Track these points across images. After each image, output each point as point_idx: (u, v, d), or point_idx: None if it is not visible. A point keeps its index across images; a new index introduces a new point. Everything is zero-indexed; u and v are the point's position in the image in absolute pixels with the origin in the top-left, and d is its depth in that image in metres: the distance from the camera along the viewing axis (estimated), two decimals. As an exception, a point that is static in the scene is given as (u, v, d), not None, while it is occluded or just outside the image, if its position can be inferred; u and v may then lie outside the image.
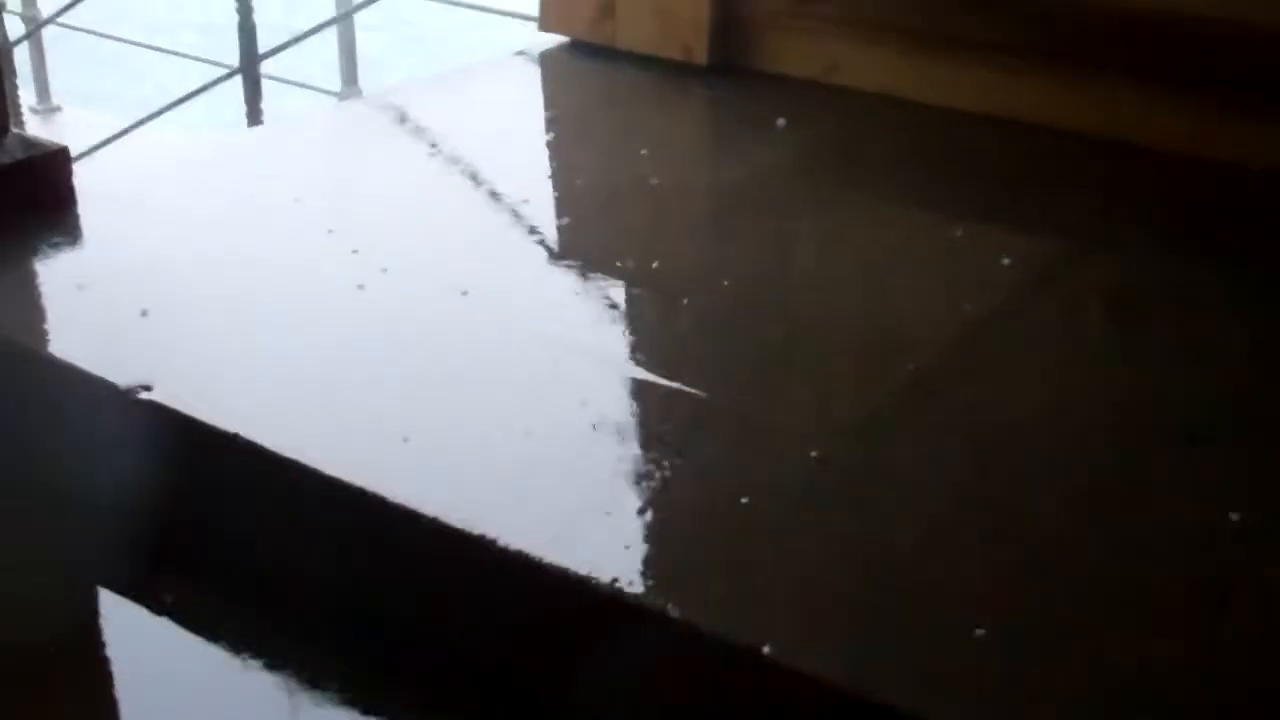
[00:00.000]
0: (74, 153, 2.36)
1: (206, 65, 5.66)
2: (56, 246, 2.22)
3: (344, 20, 4.86)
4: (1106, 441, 1.84)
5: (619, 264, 2.25)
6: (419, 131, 2.82)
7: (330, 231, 2.29)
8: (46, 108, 6.63)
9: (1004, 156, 2.67)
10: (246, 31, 4.52)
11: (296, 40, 4.57)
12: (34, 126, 6.39)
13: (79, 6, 5.63)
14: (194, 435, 1.81)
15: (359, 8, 4.73)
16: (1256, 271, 2.27)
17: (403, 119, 2.88)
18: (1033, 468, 1.78)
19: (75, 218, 2.30)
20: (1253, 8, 2.70)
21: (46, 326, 2.05)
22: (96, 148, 5.05)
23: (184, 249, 2.23)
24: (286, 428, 1.79)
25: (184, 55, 6.08)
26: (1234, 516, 1.67)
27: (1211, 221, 2.43)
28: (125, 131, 5.17)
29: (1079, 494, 1.73)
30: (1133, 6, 2.81)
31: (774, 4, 3.01)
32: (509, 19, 4.63)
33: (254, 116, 4.60)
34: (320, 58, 5.45)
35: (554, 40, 3.21)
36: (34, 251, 2.20)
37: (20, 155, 2.30)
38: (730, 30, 3.01)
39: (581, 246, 2.32)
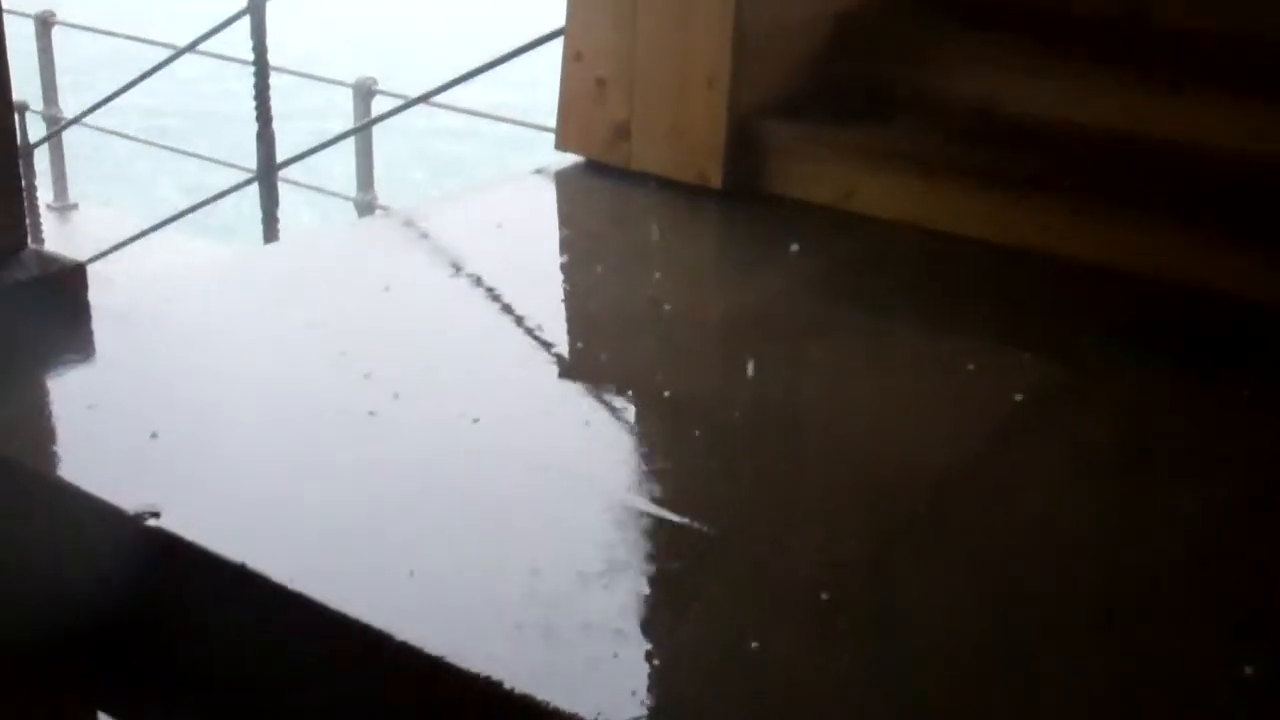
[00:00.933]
0: (90, 252, 2.37)
1: (211, 156, 5.74)
2: (69, 364, 2.22)
3: (361, 130, 4.92)
4: (1120, 587, 1.82)
5: (630, 392, 2.25)
6: (434, 251, 2.84)
7: (343, 354, 2.29)
8: (63, 205, 6.70)
9: (1019, 286, 2.68)
10: (265, 140, 4.56)
11: (314, 150, 4.62)
12: (50, 224, 6.45)
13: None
14: (200, 563, 1.80)
15: (379, 119, 4.78)
16: (1271, 406, 2.26)
17: (418, 238, 2.90)
18: (1045, 610, 1.76)
19: (89, 335, 2.30)
20: (1263, 142, 2.73)
21: (56, 448, 2.05)
22: (111, 250, 5.10)
23: (196, 370, 2.23)
24: (292, 558, 1.77)
25: (202, 157, 6.15)
26: (1248, 670, 1.65)
27: (1224, 355, 2.43)
28: (142, 234, 5.21)
29: (1092, 639, 1.71)
30: (1144, 139, 2.84)
31: (790, 130, 3.03)
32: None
33: (270, 224, 4.63)
34: (335, 159, 5.51)
35: (570, 159, 3.23)
36: (46, 369, 2.20)
37: (37, 271, 2.30)
38: (746, 154, 3.03)
39: (594, 373, 2.31)
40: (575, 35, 3.17)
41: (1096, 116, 2.91)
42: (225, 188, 5.19)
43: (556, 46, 3.30)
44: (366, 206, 5.09)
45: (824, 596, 1.75)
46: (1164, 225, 2.69)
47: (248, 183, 4.86)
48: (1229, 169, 2.74)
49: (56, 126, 6.30)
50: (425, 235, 2.91)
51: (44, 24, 6.40)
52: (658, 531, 1.89)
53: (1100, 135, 2.88)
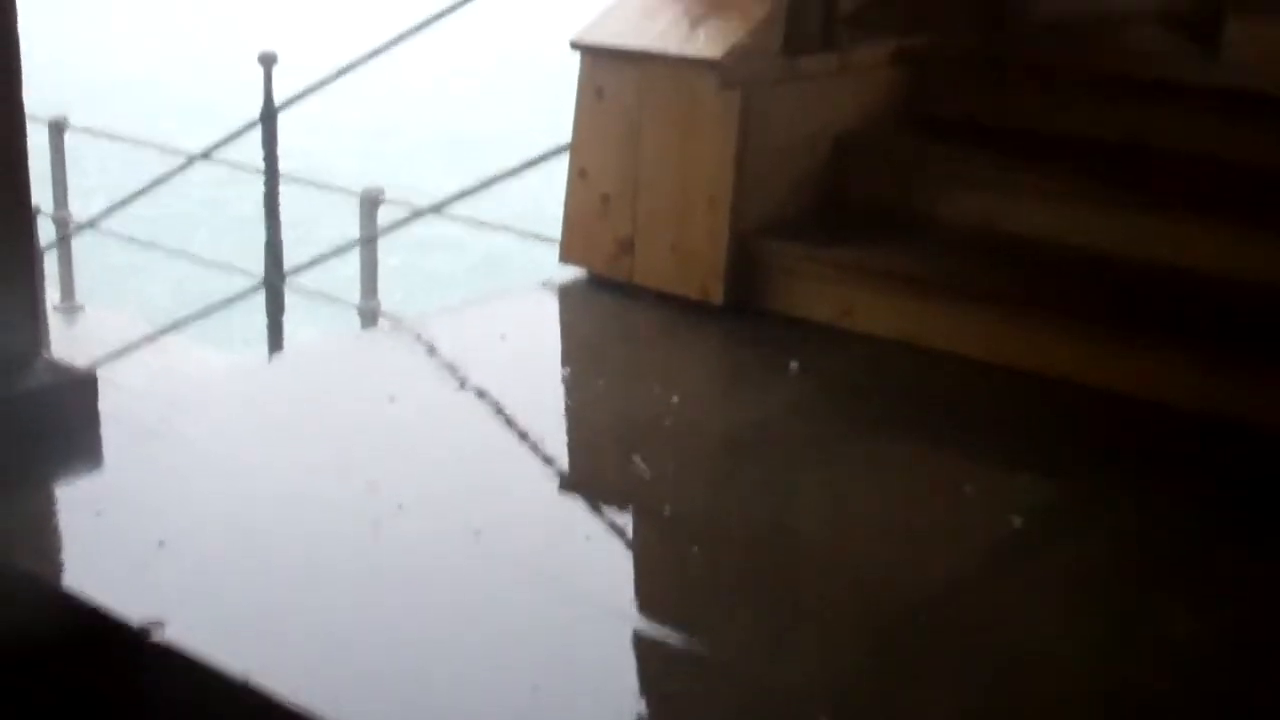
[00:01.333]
0: (96, 354, 2.38)
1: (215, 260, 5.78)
2: (77, 472, 2.25)
3: (367, 240, 4.97)
4: (1115, 711, 1.83)
5: (631, 507, 2.27)
6: (439, 363, 2.87)
7: (347, 465, 2.32)
8: (69, 306, 6.74)
9: (1017, 406, 2.71)
10: (273, 248, 4.61)
11: (322, 259, 4.67)
12: (57, 325, 6.49)
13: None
14: (205, 675, 1.81)
15: (385, 231, 4.84)
16: (1270, 533, 2.28)
17: (423, 350, 2.94)
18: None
19: (97, 442, 2.33)
20: (1260, 265, 2.78)
21: (62, 556, 2.07)
22: (117, 354, 5.13)
23: (203, 479, 2.26)
24: (296, 671, 1.78)
25: (209, 263, 6.21)
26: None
27: (1223, 480, 2.45)
28: (148, 339, 5.25)
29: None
30: (1140, 261, 2.89)
31: (790, 248, 3.08)
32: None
33: (275, 331, 4.67)
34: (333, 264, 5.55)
35: (574, 273, 3.28)
36: (54, 476, 2.23)
37: (48, 380, 2.33)
38: (747, 272, 3.08)
39: (595, 489, 2.34)
40: (580, 152, 3.23)
41: (1092, 237, 2.96)
42: (230, 292, 5.24)
43: (559, 162, 3.37)
44: (370, 314, 5.14)
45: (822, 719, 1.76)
46: (1160, 347, 2.72)
47: (254, 289, 4.91)
48: (1224, 292, 2.78)
49: (66, 229, 6.37)
50: (430, 346, 2.95)
51: (56, 129, 6.49)
52: (657, 652, 1.90)
53: (1096, 256, 2.93)
